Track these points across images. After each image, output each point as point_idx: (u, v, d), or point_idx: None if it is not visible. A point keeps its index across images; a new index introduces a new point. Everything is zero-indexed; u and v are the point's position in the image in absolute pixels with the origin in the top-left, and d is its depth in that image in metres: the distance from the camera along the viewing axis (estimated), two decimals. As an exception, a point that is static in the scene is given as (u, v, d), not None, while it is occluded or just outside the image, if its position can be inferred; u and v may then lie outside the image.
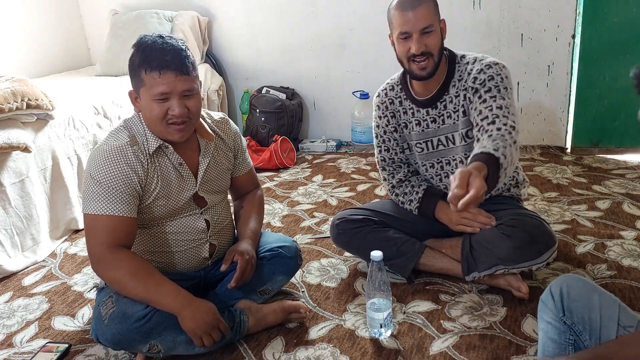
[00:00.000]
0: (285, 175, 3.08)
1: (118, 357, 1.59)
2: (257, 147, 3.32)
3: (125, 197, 1.46)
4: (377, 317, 1.56)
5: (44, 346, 1.64)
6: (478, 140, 1.62)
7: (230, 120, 1.75)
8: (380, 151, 1.94)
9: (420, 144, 1.86)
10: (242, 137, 1.77)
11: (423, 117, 1.83)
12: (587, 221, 2.24)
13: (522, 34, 3.03)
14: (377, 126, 1.92)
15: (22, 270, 2.17)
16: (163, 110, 1.44)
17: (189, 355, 1.54)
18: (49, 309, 1.87)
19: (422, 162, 1.89)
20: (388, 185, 1.95)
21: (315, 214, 2.52)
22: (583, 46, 2.95)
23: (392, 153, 1.92)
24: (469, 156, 1.75)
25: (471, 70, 1.73)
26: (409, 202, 1.88)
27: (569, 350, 1.07)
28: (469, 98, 1.72)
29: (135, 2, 3.71)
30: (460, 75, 1.76)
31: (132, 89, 1.49)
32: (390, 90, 1.89)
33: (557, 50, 3.00)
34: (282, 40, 3.52)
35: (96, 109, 2.64)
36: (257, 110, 3.43)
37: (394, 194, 1.94)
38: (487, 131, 1.59)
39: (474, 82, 1.71)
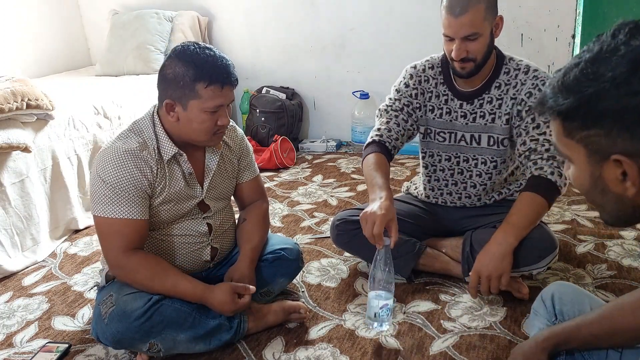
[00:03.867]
0: (285, 175, 3.08)
1: (118, 357, 1.59)
2: (257, 147, 3.32)
3: (136, 199, 1.46)
4: (373, 304, 1.54)
5: (44, 346, 1.64)
6: (528, 160, 1.68)
7: (237, 126, 1.74)
8: (388, 121, 1.82)
9: (444, 133, 1.81)
10: (247, 142, 1.76)
11: (455, 108, 1.78)
12: (587, 221, 2.24)
13: (522, 34, 3.03)
14: (398, 91, 1.84)
15: (22, 270, 2.17)
16: (214, 122, 1.48)
17: (190, 354, 1.55)
18: (49, 309, 1.87)
19: (438, 152, 1.85)
20: (375, 132, 1.84)
21: (315, 214, 2.52)
22: (583, 46, 2.94)
23: (397, 122, 1.81)
24: (496, 161, 1.77)
25: (525, 81, 1.68)
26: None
27: (561, 353, 1.09)
28: (518, 111, 1.69)
29: (135, 2, 3.71)
30: (508, 80, 1.71)
31: (168, 99, 1.46)
32: (429, 68, 1.81)
33: (557, 50, 2.99)
34: (282, 40, 3.52)
35: (96, 109, 2.64)
36: (257, 110, 3.43)
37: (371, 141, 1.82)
38: (545, 163, 1.64)
39: (528, 98, 1.67)
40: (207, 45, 1.48)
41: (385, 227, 1.51)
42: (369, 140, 1.84)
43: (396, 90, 1.86)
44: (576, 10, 2.90)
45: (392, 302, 1.57)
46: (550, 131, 1.62)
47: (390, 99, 1.87)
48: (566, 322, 1.11)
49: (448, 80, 1.78)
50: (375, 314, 1.54)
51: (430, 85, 1.81)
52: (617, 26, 0.70)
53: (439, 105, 1.80)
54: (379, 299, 1.54)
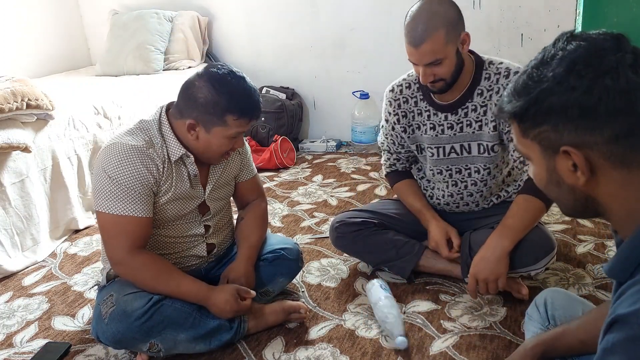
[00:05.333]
0: (285, 175, 3.08)
1: (118, 357, 1.59)
2: (257, 147, 3.32)
3: (142, 197, 1.47)
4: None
5: (44, 346, 1.64)
6: (524, 165, 1.72)
7: None
8: (388, 151, 1.93)
9: (432, 148, 1.79)
10: (245, 142, 1.77)
11: (440, 121, 1.75)
12: (587, 221, 2.24)
13: (522, 34, 3.03)
14: (387, 120, 1.86)
15: (22, 270, 2.17)
16: (231, 146, 1.52)
17: (190, 354, 1.55)
18: (49, 309, 1.87)
19: (430, 167, 1.84)
20: (385, 165, 1.97)
21: (315, 214, 2.52)
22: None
23: (397, 151, 1.89)
24: (489, 168, 1.76)
25: (507, 85, 1.65)
26: None
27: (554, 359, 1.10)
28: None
29: (135, 2, 3.71)
30: (489, 85, 1.68)
31: (193, 120, 1.46)
32: (406, 88, 1.79)
33: (557, 50, 2.99)
34: (282, 40, 3.52)
35: (96, 109, 2.64)
36: (257, 110, 3.42)
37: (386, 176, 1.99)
38: None
39: None
40: (241, 74, 1.48)
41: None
42: (385, 172, 1.98)
43: (385, 120, 1.87)
44: (576, 10, 2.90)
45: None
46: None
47: (383, 133, 1.91)
48: (553, 329, 1.13)
49: (427, 96, 1.76)
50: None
51: (410, 105, 1.79)
52: (558, 36, 0.78)
53: (423, 122, 1.78)
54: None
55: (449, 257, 1.78)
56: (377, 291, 1.68)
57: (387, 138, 1.89)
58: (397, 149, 1.89)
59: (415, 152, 1.87)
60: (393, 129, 1.84)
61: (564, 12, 2.92)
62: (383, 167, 1.98)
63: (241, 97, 1.45)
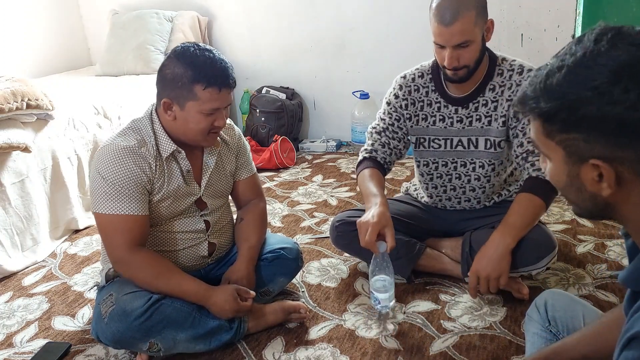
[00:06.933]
0: (285, 175, 3.08)
1: (118, 357, 1.59)
2: (257, 147, 3.32)
3: (136, 195, 1.47)
4: (374, 303, 1.57)
5: (44, 346, 1.64)
6: (525, 162, 1.68)
7: (234, 124, 1.75)
8: (373, 143, 1.84)
9: (439, 140, 1.80)
10: (245, 140, 1.77)
11: (449, 114, 1.76)
12: (587, 221, 2.24)
13: (522, 34, 3.03)
14: (388, 103, 1.84)
15: (22, 270, 2.17)
16: (210, 123, 1.49)
17: (190, 354, 1.55)
18: (49, 309, 1.88)
19: (433, 159, 1.84)
20: (363, 150, 1.86)
21: (315, 214, 2.52)
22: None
23: (388, 135, 1.83)
24: (493, 164, 1.77)
25: (520, 81, 1.67)
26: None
27: None
28: (515, 113, 1.67)
29: (135, 2, 3.71)
30: (502, 81, 1.70)
31: (166, 98, 1.47)
32: (419, 77, 1.80)
33: (557, 50, 2.98)
34: (282, 40, 3.52)
35: (96, 109, 2.64)
36: (257, 110, 3.43)
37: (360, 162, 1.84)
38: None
39: None
40: (207, 47, 1.49)
41: (381, 233, 1.53)
42: (360, 158, 1.85)
43: (387, 102, 1.84)
44: (576, 10, 2.90)
45: (390, 303, 1.59)
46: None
47: (379, 117, 1.87)
48: (553, 344, 1.12)
49: (439, 87, 1.77)
50: (379, 301, 1.59)
51: (421, 94, 1.80)
52: (600, 31, 0.72)
53: (432, 113, 1.79)
54: (376, 302, 1.57)
55: (365, 245, 1.53)
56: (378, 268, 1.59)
57: (383, 120, 1.84)
58: (392, 132, 1.82)
59: (414, 147, 1.86)
60: (396, 110, 1.82)
61: (564, 12, 2.92)
62: (361, 152, 1.85)
63: (205, 65, 1.44)
